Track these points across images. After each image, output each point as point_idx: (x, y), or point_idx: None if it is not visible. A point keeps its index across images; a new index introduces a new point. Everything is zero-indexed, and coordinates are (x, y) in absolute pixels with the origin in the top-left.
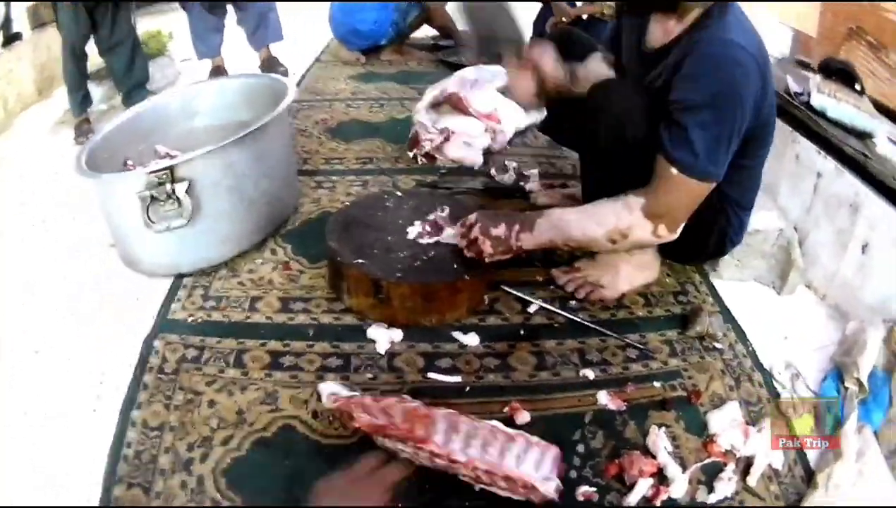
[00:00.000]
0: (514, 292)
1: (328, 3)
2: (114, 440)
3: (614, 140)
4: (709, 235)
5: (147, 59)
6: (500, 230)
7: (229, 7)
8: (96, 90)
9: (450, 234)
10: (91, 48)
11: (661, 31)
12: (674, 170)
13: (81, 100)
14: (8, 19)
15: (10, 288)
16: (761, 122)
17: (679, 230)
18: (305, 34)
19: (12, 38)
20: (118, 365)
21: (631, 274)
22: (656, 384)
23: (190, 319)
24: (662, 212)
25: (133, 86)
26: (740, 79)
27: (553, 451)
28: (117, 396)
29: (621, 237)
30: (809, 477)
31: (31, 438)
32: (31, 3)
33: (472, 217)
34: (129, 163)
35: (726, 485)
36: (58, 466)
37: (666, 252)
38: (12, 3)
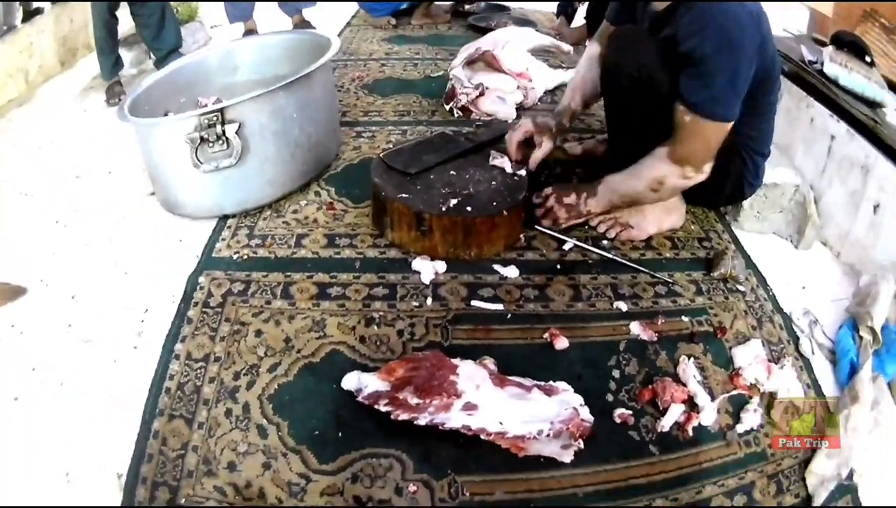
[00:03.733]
0: (550, 232)
1: None
2: (156, 373)
3: (633, 79)
4: (726, 176)
5: (179, 24)
6: (571, 199)
7: None
8: (127, 55)
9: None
10: (121, 13)
11: None
12: (689, 116)
13: (113, 65)
14: None
15: (43, 239)
16: (764, 70)
17: (706, 169)
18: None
19: (33, 13)
20: (161, 302)
21: (658, 218)
22: (684, 318)
23: (235, 256)
24: (685, 156)
25: (167, 52)
26: (738, 30)
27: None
28: (160, 332)
29: (658, 185)
30: None
31: (67, 378)
32: None
33: (548, 189)
34: (170, 114)
35: (752, 416)
36: (98, 403)
37: (688, 195)
38: None
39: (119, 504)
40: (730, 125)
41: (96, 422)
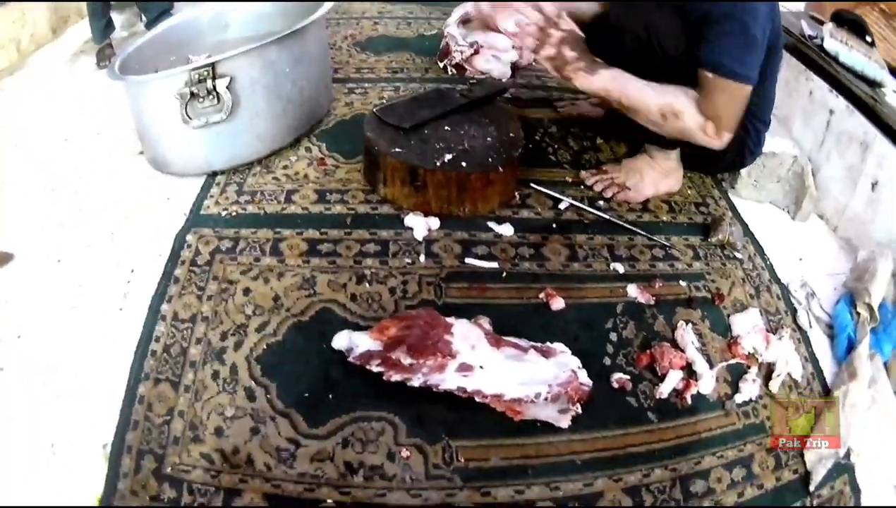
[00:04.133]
0: (545, 190)
1: None
2: (141, 335)
3: (637, 40)
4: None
5: None
6: (569, 53)
7: None
8: (118, 18)
9: None
10: None
11: None
12: (711, 75)
13: (104, 28)
14: None
15: (31, 201)
16: (770, 39)
17: (725, 139)
18: None
19: None
20: (148, 261)
21: (656, 180)
22: (682, 283)
23: (224, 213)
24: (711, 114)
25: (158, 14)
26: None
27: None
28: (146, 293)
29: (672, 115)
30: (826, 393)
31: (52, 345)
32: None
33: (561, 32)
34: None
35: (751, 387)
36: (81, 370)
37: (687, 160)
38: None
39: (104, 474)
40: (750, 88)
41: (82, 391)
